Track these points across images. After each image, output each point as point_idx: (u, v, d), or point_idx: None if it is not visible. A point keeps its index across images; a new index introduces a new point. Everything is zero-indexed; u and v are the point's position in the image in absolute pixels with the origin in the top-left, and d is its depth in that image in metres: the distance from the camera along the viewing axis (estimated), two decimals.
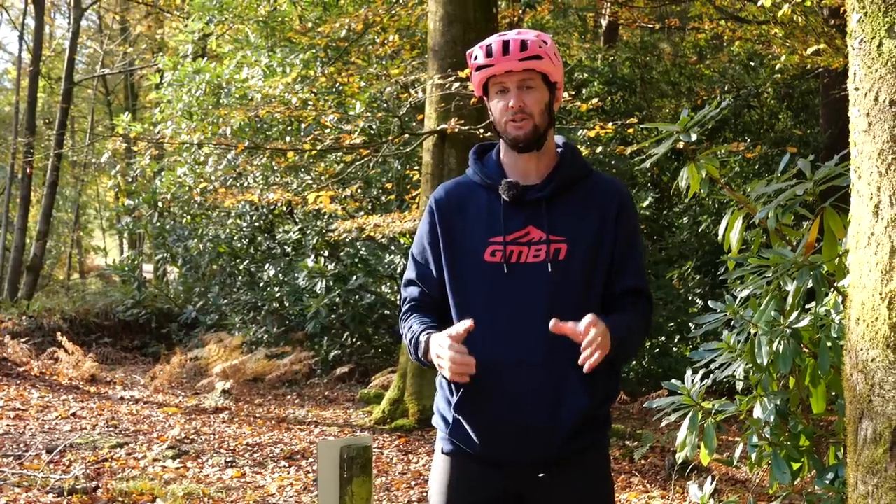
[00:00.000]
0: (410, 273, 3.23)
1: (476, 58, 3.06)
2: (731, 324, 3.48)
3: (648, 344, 12.54)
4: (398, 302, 14.27)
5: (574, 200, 3.08)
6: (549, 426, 2.98)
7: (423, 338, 3.04)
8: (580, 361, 2.82)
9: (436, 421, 3.23)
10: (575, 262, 3.01)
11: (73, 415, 10.11)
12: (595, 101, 12.43)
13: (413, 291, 3.21)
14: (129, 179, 19.77)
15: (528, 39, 2.99)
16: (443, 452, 3.20)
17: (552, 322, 2.85)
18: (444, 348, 2.88)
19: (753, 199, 3.44)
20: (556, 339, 2.93)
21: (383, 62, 13.64)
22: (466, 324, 2.88)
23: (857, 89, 2.43)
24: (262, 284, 15.15)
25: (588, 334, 2.80)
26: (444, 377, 3.11)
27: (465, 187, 3.19)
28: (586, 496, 3.10)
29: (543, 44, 3.02)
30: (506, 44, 2.99)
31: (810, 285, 3.14)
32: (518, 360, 2.98)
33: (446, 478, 3.16)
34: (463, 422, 3.06)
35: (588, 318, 2.82)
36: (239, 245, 16.11)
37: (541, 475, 3.03)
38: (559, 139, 3.20)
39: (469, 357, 2.85)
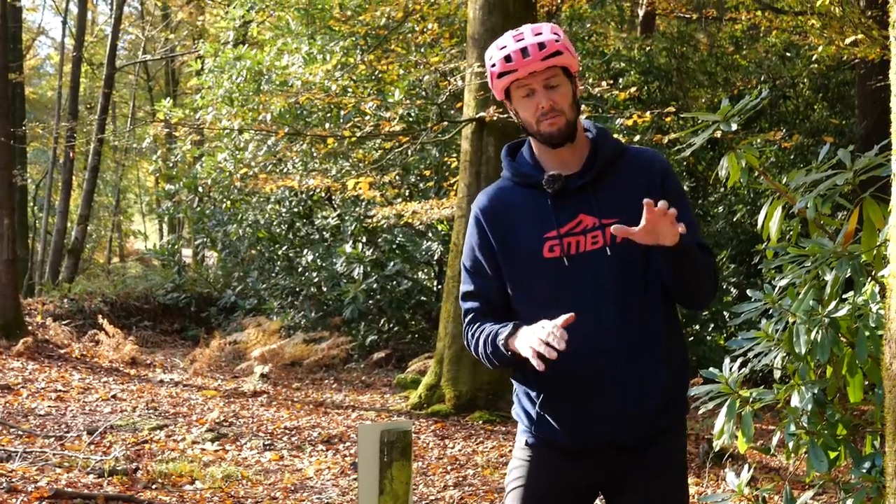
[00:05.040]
0: (467, 286, 3.18)
1: (495, 65, 3.00)
2: (769, 313, 3.50)
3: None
4: (435, 287, 14.38)
5: (617, 180, 3.06)
6: (635, 409, 3.00)
7: (503, 331, 2.95)
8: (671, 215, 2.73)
9: (516, 414, 3.21)
10: (632, 241, 2.93)
11: (114, 397, 10.25)
12: (632, 90, 12.41)
13: (473, 304, 3.16)
14: (170, 164, 19.91)
15: (544, 40, 2.94)
16: (526, 444, 3.16)
17: (614, 228, 2.80)
18: (544, 329, 2.79)
19: (792, 189, 3.45)
20: (628, 320, 2.96)
21: (422, 50, 13.67)
22: (566, 317, 2.82)
23: None
24: (300, 270, 15.25)
25: (656, 210, 2.73)
26: (521, 375, 3.14)
27: (506, 191, 3.15)
28: (667, 479, 3.12)
29: (558, 37, 2.97)
30: (524, 49, 2.94)
31: (849, 275, 3.15)
32: (594, 349, 2.96)
33: (531, 468, 3.13)
34: (548, 417, 3.06)
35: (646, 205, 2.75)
36: (278, 230, 16.20)
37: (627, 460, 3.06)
38: (585, 123, 3.18)
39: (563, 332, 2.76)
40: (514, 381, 3.23)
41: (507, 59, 2.96)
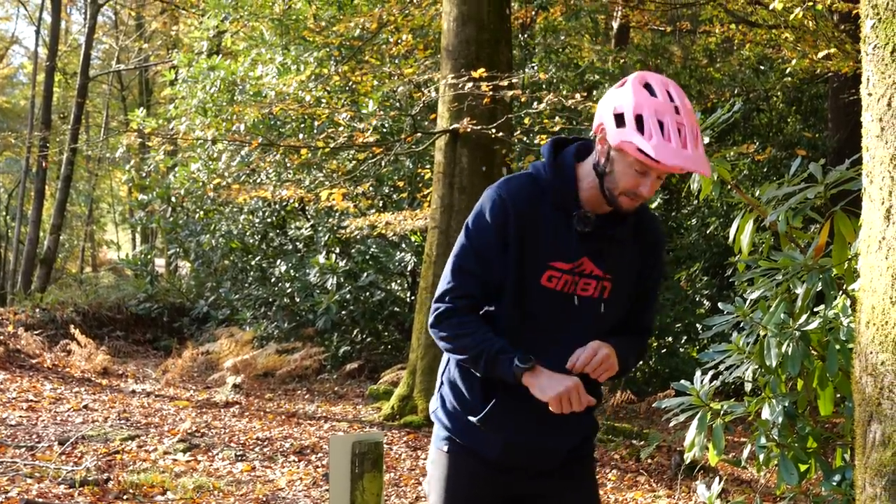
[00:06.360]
0: (469, 264, 3.02)
1: (645, 136, 2.76)
2: (741, 326, 3.51)
3: (655, 344, 12.57)
4: (408, 298, 14.37)
5: (621, 234, 3.04)
6: (562, 445, 3.13)
7: (518, 359, 2.93)
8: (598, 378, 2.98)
9: (439, 417, 3.22)
10: (615, 300, 3.06)
11: (86, 407, 10.17)
12: None
13: (467, 290, 3.03)
14: (143, 174, 19.81)
15: (697, 156, 2.77)
16: (447, 451, 3.17)
17: (569, 364, 2.94)
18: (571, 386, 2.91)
19: (764, 203, 3.47)
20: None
21: (396, 61, 13.68)
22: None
23: (870, 94, 2.45)
24: (273, 280, 15.20)
25: (594, 361, 2.92)
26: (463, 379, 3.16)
27: (535, 194, 3.03)
28: (587, 491, 3.23)
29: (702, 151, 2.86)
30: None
31: (819, 288, 3.17)
32: None
33: (451, 476, 3.16)
34: (483, 430, 3.08)
35: (592, 345, 2.94)
36: (251, 241, 16.15)
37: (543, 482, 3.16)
38: None
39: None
40: (443, 381, 3.23)
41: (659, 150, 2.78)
